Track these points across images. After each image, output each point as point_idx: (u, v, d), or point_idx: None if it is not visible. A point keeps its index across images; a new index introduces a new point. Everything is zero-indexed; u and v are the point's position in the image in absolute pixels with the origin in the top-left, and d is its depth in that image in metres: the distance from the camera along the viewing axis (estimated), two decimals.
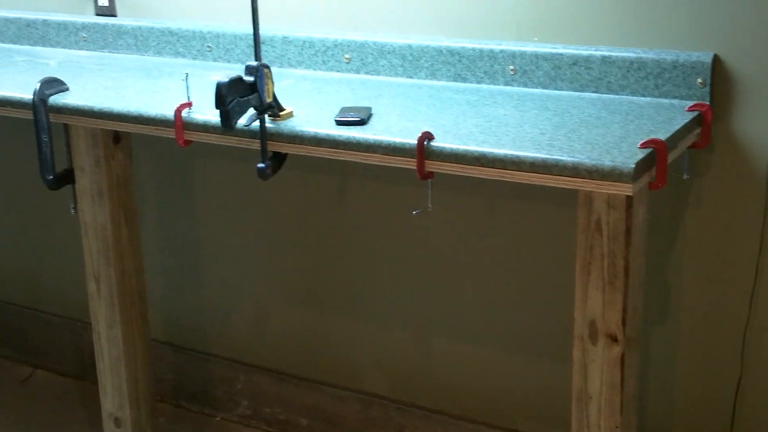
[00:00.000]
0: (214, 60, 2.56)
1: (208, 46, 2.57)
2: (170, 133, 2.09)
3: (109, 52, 2.72)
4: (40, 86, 2.23)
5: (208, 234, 2.80)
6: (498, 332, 2.44)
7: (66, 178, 2.39)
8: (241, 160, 2.62)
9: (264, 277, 2.75)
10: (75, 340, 3.15)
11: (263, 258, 2.73)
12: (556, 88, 2.11)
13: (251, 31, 2.47)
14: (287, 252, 2.69)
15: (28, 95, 2.25)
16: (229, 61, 2.54)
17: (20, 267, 3.23)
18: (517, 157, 1.68)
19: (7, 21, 2.88)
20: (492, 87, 2.17)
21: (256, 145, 1.98)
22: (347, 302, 2.64)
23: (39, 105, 2.23)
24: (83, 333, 3.10)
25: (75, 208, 2.44)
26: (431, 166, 1.79)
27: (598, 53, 2.06)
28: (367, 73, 2.34)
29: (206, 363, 2.92)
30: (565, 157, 1.64)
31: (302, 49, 2.41)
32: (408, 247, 2.49)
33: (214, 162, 2.71)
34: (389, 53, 2.29)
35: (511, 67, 2.15)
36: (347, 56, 2.36)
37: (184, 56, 2.61)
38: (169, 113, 2.08)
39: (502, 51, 2.15)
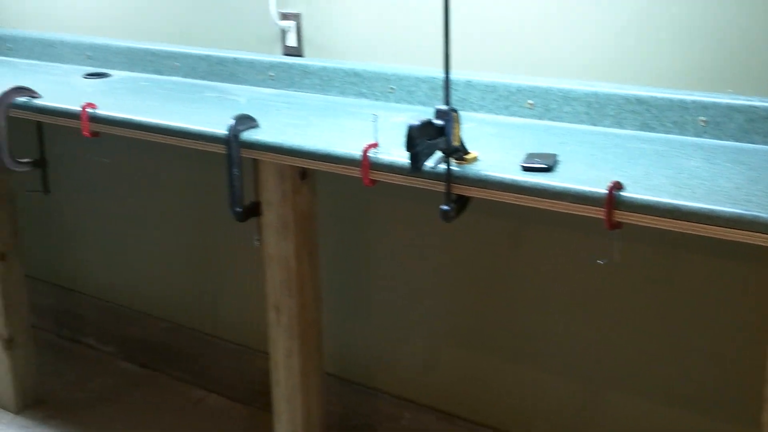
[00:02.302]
0: (397, 101, 2.61)
1: (391, 88, 2.62)
2: (356, 172, 2.14)
3: (295, 90, 2.81)
4: (234, 123, 2.33)
5: (381, 271, 2.84)
6: (677, 390, 2.38)
7: (252, 211, 2.48)
8: (418, 201, 2.65)
9: (435, 317, 2.77)
10: (247, 367, 3.24)
11: (436, 298, 2.76)
12: (749, 142, 2.07)
13: (434, 74, 2.54)
14: (460, 293, 2.70)
15: (221, 131, 2.34)
16: (411, 103, 2.58)
17: (200, 294, 3.35)
18: (712, 211, 1.66)
19: (200, 58, 3.01)
20: (681, 138, 2.14)
21: (440, 187, 2.01)
22: (518, 348, 2.63)
23: (232, 140, 2.32)
24: (255, 360, 3.19)
25: (259, 240, 2.52)
26: (620, 216, 1.78)
27: None
28: (550, 119, 2.34)
29: (372, 398, 2.96)
30: (764, 214, 1.60)
31: (485, 93, 2.44)
32: (583, 295, 2.47)
33: (392, 201, 2.75)
34: (574, 100, 2.29)
35: (702, 118, 2.11)
36: (530, 102, 2.37)
37: (367, 97, 2.67)
38: (356, 153, 2.13)
39: (693, 101, 2.12)
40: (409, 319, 2.83)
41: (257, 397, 3.23)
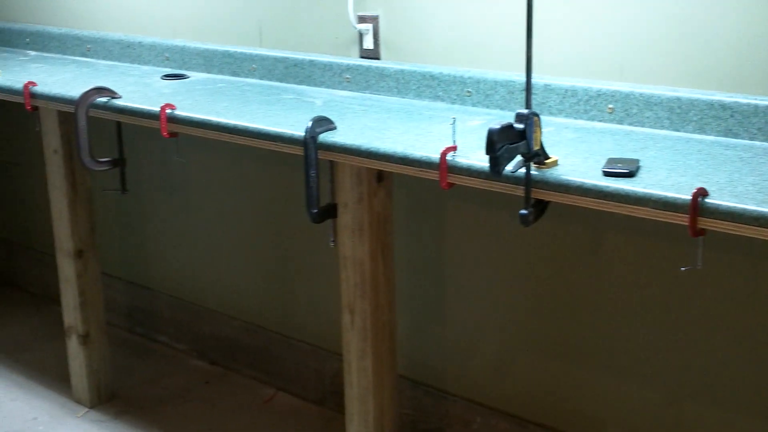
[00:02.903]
0: (473, 105, 2.61)
1: (468, 91, 2.62)
2: (433, 176, 2.14)
3: (371, 93, 2.82)
4: (312, 124, 2.34)
5: (456, 275, 2.84)
6: (760, 402, 2.34)
7: (328, 212, 2.49)
8: (493, 204, 2.65)
9: (510, 322, 2.76)
10: (318, 367, 3.26)
11: (511, 303, 2.74)
12: None
13: (511, 77, 2.53)
14: (536, 298, 2.69)
15: (299, 132, 2.36)
16: (487, 107, 2.58)
17: (274, 294, 3.38)
18: None
19: (276, 60, 3.04)
20: (766, 144, 2.10)
21: (519, 191, 2.00)
22: (594, 355, 2.61)
23: (310, 142, 2.33)
24: (326, 361, 3.21)
25: (334, 241, 2.54)
26: (703, 223, 1.75)
27: None
28: (630, 124, 2.32)
29: (444, 401, 2.95)
30: None
31: (564, 97, 2.42)
32: (663, 303, 2.44)
33: (467, 205, 2.75)
34: (656, 105, 2.27)
35: None
36: (611, 106, 2.35)
37: (443, 100, 2.67)
38: (434, 156, 2.13)
39: None
40: (483, 323, 2.82)
41: (328, 397, 3.25)
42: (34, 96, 3.02)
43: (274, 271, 3.36)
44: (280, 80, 3.04)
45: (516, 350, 2.77)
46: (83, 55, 3.64)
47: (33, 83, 3.04)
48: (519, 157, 1.96)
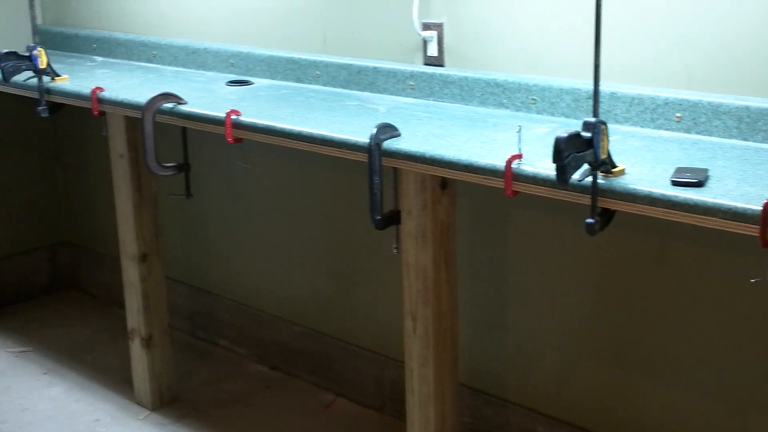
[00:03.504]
0: (538, 113, 2.60)
1: (533, 99, 2.60)
2: (498, 183, 2.13)
3: (435, 100, 2.82)
4: (376, 131, 2.34)
5: (518, 283, 2.83)
6: None
7: (391, 219, 2.49)
8: (557, 213, 2.63)
9: (573, 331, 2.74)
10: (377, 374, 3.27)
11: (574, 312, 2.73)
12: None
13: (577, 85, 2.51)
14: (600, 308, 2.67)
15: (363, 139, 2.37)
16: (552, 114, 2.56)
17: (334, 299, 3.39)
18: None
19: (340, 67, 3.05)
20: None
21: (585, 200, 1.99)
22: (659, 366, 2.58)
23: (374, 149, 2.34)
24: (386, 367, 3.21)
25: (397, 248, 2.54)
26: None
27: None
28: (698, 133, 2.29)
29: (504, 410, 2.94)
30: None
31: (630, 105, 2.40)
32: (731, 314, 2.40)
33: (530, 213, 2.74)
34: (724, 114, 2.24)
35: None
36: (678, 115, 2.32)
37: (507, 107, 2.66)
38: (499, 164, 2.12)
39: None
40: (546, 332, 2.80)
41: (387, 404, 3.25)
42: (101, 101, 3.07)
43: (334, 277, 3.37)
44: (344, 87, 3.05)
45: (579, 360, 2.75)
46: (149, 60, 3.69)
47: (100, 88, 3.08)
48: (586, 166, 1.95)
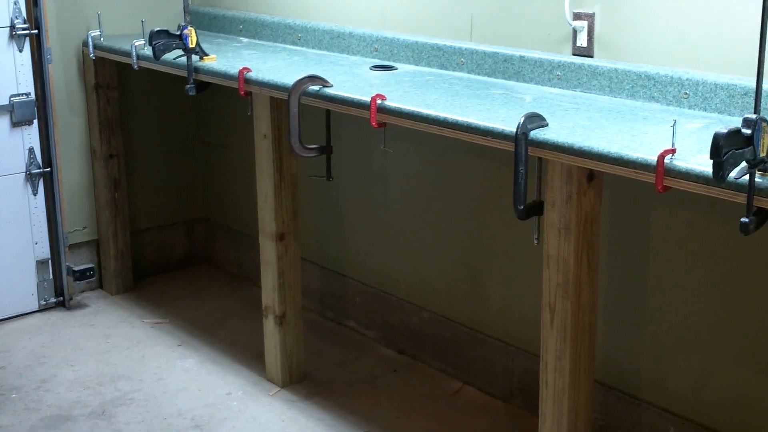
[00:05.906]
0: (690, 107, 2.54)
1: (685, 93, 2.55)
2: (649, 178, 2.10)
3: (582, 91, 2.79)
4: (524, 121, 2.33)
5: (659, 280, 2.78)
6: None
7: (534, 209, 2.48)
8: (705, 210, 2.58)
9: (714, 333, 2.68)
10: (507, 364, 3.26)
11: (717, 312, 2.66)
12: None
13: (733, 81, 2.44)
14: (744, 310, 2.60)
15: (510, 128, 2.36)
16: (705, 110, 2.51)
17: (466, 287, 3.39)
18: None
19: (486, 55, 3.04)
20: None
21: (740, 198, 1.94)
22: None
23: (521, 138, 2.33)
24: (516, 358, 3.20)
25: (538, 239, 2.52)
26: None
27: None
28: None
29: (637, 408, 2.89)
30: None
31: None
32: None
33: (675, 209, 2.68)
34: None
35: None
36: None
37: (657, 101, 2.61)
38: (650, 158, 2.09)
39: None
40: (685, 332, 2.75)
41: (515, 395, 3.24)
42: (248, 81, 3.13)
43: (467, 264, 3.37)
44: (489, 75, 3.04)
45: (718, 361, 2.69)
46: (294, 43, 3.74)
47: (248, 69, 3.15)
48: (743, 164, 1.90)
